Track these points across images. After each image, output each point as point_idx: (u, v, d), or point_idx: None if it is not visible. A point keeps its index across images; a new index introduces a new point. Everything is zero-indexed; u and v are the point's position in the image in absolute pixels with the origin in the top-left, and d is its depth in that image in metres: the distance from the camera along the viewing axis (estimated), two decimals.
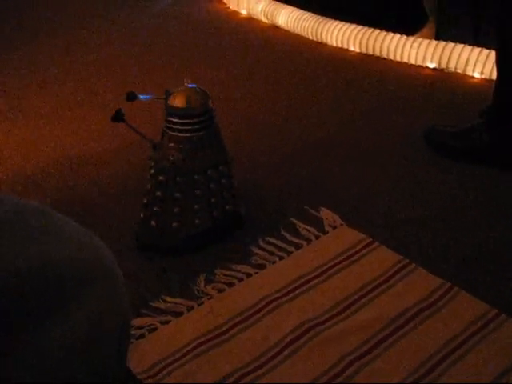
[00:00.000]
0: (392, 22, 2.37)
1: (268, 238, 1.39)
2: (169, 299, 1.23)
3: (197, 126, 1.30)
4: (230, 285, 1.27)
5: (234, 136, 1.77)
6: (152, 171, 1.34)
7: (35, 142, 1.86)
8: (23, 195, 1.59)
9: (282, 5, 2.65)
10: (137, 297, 1.23)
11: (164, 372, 1.07)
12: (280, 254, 1.34)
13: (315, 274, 1.28)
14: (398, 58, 2.23)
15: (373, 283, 1.24)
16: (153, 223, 1.35)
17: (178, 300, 1.23)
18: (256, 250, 1.35)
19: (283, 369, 1.07)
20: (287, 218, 1.45)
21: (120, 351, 0.59)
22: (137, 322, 1.17)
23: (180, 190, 1.32)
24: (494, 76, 1.69)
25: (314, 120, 1.91)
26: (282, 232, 1.41)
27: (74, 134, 1.89)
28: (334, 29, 2.40)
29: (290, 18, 2.57)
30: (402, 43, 2.22)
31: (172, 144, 1.31)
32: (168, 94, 1.31)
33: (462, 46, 2.10)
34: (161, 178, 1.32)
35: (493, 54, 1.92)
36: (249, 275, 1.29)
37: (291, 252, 1.35)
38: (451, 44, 2.12)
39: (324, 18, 2.47)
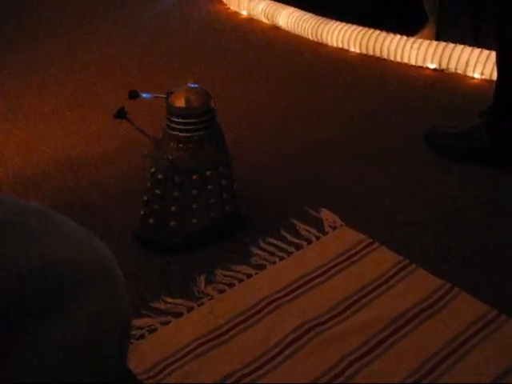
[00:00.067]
0: (392, 23, 2.37)
1: (268, 239, 1.39)
2: (169, 300, 1.23)
3: (197, 126, 1.31)
4: (231, 285, 1.27)
5: (235, 136, 1.76)
6: (152, 169, 1.34)
7: (35, 142, 1.86)
8: (23, 196, 1.59)
9: (282, 5, 2.65)
10: (137, 297, 1.23)
11: (164, 372, 1.07)
12: (280, 254, 1.34)
13: (315, 274, 1.28)
14: (399, 59, 2.23)
15: (373, 284, 1.24)
16: (151, 221, 1.36)
17: (178, 300, 1.23)
18: (256, 251, 1.35)
19: (283, 369, 1.07)
20: (288, 219, 1.45)
21: (120, 351, 0.59)
22: (137, 322, 1.17)
23: (178, 189, 1.32)
24: (495, 77, 1.69)
25: (315, 121, 1.91)
26: (283, 232, 1.41)
27: (75, 135, 1.89)
28: (334, 29, 2.40)
29: (290, 19, 2.57)
30: (402, 44, 2.22)
31: (172, 143, 1.32)
32: (169, 94, 1.31)
33: (462, 46, 2.10)
34: (160, 176, 1.32)
35: (493, 54, 1.92)
36: (249, 276, 1.29)
37: (291, 252, 1.35)
38: (451, 45, 2.12)
39: (324, 18, 2.47)
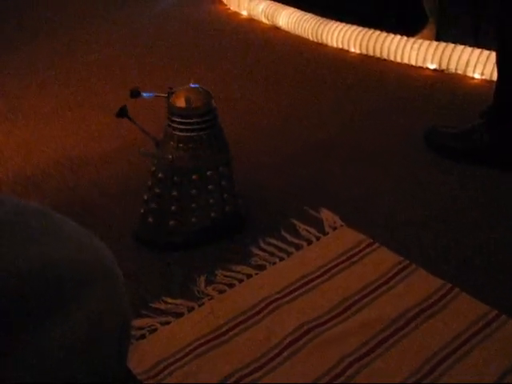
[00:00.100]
0: (392, 23, 2.37)
1: (268, 239, 1.39)
2: (169, 300, 1.23)
3: (197, 126, 1.31)
4: (231, 286, 1.26)
5: (235, 136, 1.76)
6: (153, 168, 1.35)
7: (35, 142, 1.86)
8: (23, 196, 1.59)
9: (282, 6, 2.66)
10: (137, 297, 1.23)
11: (165, 373, 1.07)
12: (280, 254, 1.34)
13: (315, 274, 1.28)
14: (399, 59, 2.23)
15: (373, 284, 1.24)
16: (150, 219, 1.36)
17: (178, 301, 1.23)
18: (256, 251, 1.35)
19: (283, 370, 1.07)
20: (288, 219, 1.45)
21: (120, 351, 0.59)
22: (137, 322, 1.17)
23: (177, 189, 1.32)
24: (495, 77, 1.69)
25: (315, 121, 1.91)
26: (283, 233, 1.40)
27: (75, 135, 1.89)
28: (334, 30, 2.40)
29: (290, 19, 2.57)
30: (402, 44, 2.22)
31: (172, 143, 1.32)
32: (170, 93, 1.31)
33: (462, 47, 2.10)
34: (160, 175, 1.33)
35: (493, 55, 1.92)
36: (249, 276, 1.29)
37: (291, 253, 1.35)
38: (451, 45, 2.12)
39: (324, 19, 2.47)
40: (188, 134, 1.31)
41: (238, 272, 1.30)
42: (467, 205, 1.48)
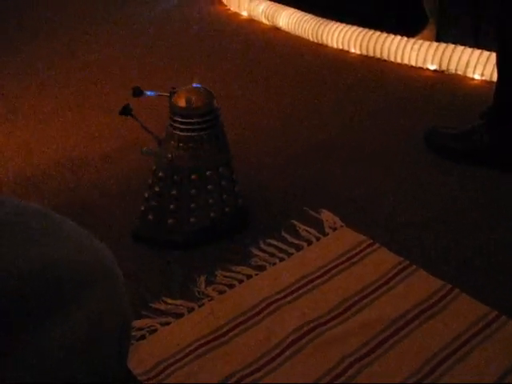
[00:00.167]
0: (392, 24, 2.37)
1: (268, 240, 1.39)
2: (169, 300, 1.23)
3: (198, 126, 1.31)
4: (231, 286, 1.26)
5: (235, 137, 1.76)
6: (154, 167, 1.36)
7: (35, 143, 1.86)
8: (24, 197, 1.59)
9: (282, 6, 2.66)
10: (137, 298, 1.23)
11: (165, 373, 1.07)
12: (280, 255, 1.34)
13: (316, 275, 1.28)
14: (399, 60, 2.23)
15: (373, 285, 1.24)
16: (150, 217, 1.36)
17: (178, 301, 1.23)
18: (256, 252, 1.35)
19: (284, 370, 1.07)
20: (288, 219, 1.45)
21: (120, 352, 0.59)
22: (137, 323, 1.17)
23: (177, 188, 1.33)
24: (495, 78, 1.69)
25: (315, 121, 1.91)
26: (283, 233, 1.40)
27: (75, 135, 1.89)
28: (334, 31, 2.40)
29: (290, 20, 2.57)
30: (402, 45, 2.22)
31: (173, 142, 1.32)
32: (172, 93, 1.32)
33: (462, 47, 2.10)
34: (160, 174, 1.34)
35: (493, 56, 1.92)
36: (249, 277, 1.29)
37: (291, 253, 1.35)
38: (452, 46, 2.12)
39: (324, 19, 2.47)
40: (188, 134, 1.31)
41: (238, 272, 1.30)
42: (467, 205, 1.48)
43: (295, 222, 1.44)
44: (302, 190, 1.57)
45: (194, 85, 1.34)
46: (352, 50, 2.36)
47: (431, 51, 2.15)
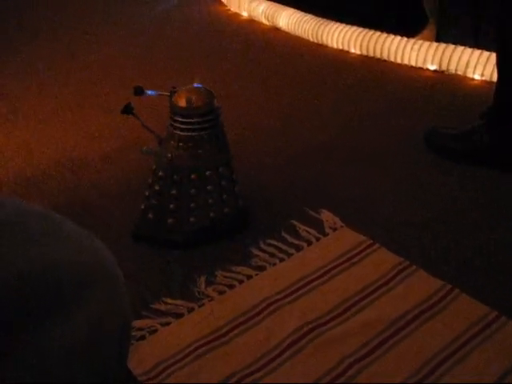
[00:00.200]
0: (392, 24, 2.37)
1: (268, 240, 1.39)
2: (169, 301, 1.23)
3: (198, 126, 1.31)
4: (231, 286, 1.26)
5: (235, 137, 1.76)
6: (154, 166, 1.36)
7: (36, 143, 1.86)
8: (24, 197, 1.59)
9: (282, 7, 2.66)
10: (137, 298, 1.23)
11: (165, 373, 1.07)
12: (280, 255, 1.34)
13: (316, 275, 1.28)
14: (399, 60, 2.23)
15: (373, 285, 1.24)
16: (150, 216, 1.37)
17: (178, 302, 1.23)
18: (256, 252, 1.35)
19: (284, 370, 1.07)
20: (288, 220, 1.45)
21: (120, 352, 0.59)
22: (137, 323, 1.17)
23: (176, 188, 1.33)
24: (495, 78, 1.69)
25: (316, 122, 1.91)
26: (283, 234, 1.40)
27: (75, 136, 1.89)
28: (334, 31, 2.40)
29: (290, 20, 2.57)
30: (402, 45, 2.22)
31: (173, 141, 1.32)
32: (173, 92, 1.32)
33: (462, 48, 2.10)
34: (160, 173, 1.34)
35: (493, 56, 1.92)
36: (249, 277, 1.29)
37: (292, 254, 1.35)
38: (452, 46, 2.12)
39: (324, 20, 2.47)
40: (188, 134, 1.31)
41: (238, 273, 1.30)
42: (467, 206, 1.48)
43: (295, 223, 1.44)
44: (302, 190, 1.57)
45: (195, 85, 1.34)
46: (352, 51, 2.36)
47: (431, 51, 2.15)
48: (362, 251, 1.34)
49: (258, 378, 1.05)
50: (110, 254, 0.59)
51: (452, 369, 1.05)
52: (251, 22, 2.78)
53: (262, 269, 1.31)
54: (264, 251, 1.36)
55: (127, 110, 1.31)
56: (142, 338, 1.15)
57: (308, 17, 2.53)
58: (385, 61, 2.27)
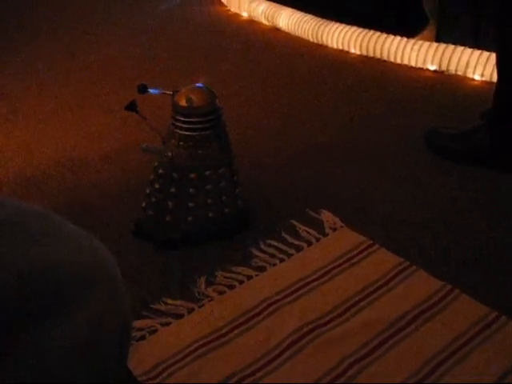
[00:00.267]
0: (392, 24, 2.37)
1: (269, 241, 1.38)
2: (169, 301, 1.23)
3: (199, 126, 1.31)
4: (231, 287, 1.26)
5: (235, 137, 1.75)
6: (155, 163, 1.36)
7: (36, 143, 1.86)
8: (24, 197, 1.59)
9: (282, 7, 2.66)
10: (137, 299, 1.23)
11: (165, 374, 1.07)
12: (281, 256, 1.34)
13: (316, 276, 1.28)
14: (399, 61, 2.23)
15: (373, 285, 1.24)
16: (150, 213, 1.38)
17: (178, 302, 1.23)
18: (256, 252, 1.35)
19: (284, 371, 1.07)
20: (288, 220, 1.45)
21: (120, 353, 0.59)
22: (137, 323, 1.17)
23: (176, 186, 1.33)
24: (495, 78, 1.69)
25: (316, 122, 1.91)
26: (283, 234, 1.40)
27: (75, 136, 1.89)
28: (334, 31, 2.40)
29: (290, 21, 2.57)
30: (402, 45, 2.22)
31: (173, 140, 1.33)
32: (175, 92, 1.32)
33: (462, 48, 2.10)
34: (160, 171, 1.35)
35: (493, 56, 1.92)
36: (249, 277, 1.29)
37: (292, 254, 1.35)
38: (451, 46, 2.12)
39: (324, 20, 2.47)
40: (189, 133, 1.32)
41: (239, 273, 1.30)
42: (467, 206, 1.48)
43: (295, 223, 1.44)
44: (302, 191, 1.57)
45: (197, 84, 1.34)
46: (352, 51, 2.37)
47: (431, 52, 2.15)
48: (362, 251, 1.34)
49: (258, 378, 1.05)
50: (110, 255, 0.59)
51: (452, 369, 1.05)
52: (251, 22, 2.78)
53: (262, 269, 1.31)
54: (264, 251, 1.36)
55: (132, 106, 1.31)
56: (142, 338, 1.15)
57: (308, 17, 2.53)
58: (385, 61, 2.28)
